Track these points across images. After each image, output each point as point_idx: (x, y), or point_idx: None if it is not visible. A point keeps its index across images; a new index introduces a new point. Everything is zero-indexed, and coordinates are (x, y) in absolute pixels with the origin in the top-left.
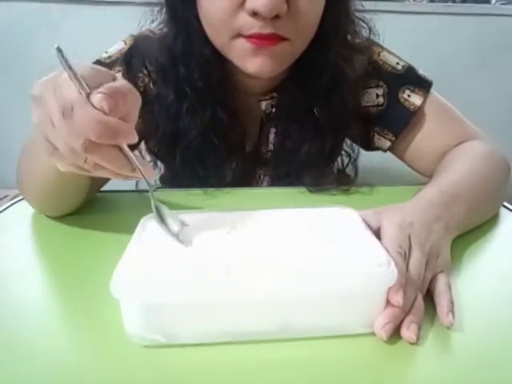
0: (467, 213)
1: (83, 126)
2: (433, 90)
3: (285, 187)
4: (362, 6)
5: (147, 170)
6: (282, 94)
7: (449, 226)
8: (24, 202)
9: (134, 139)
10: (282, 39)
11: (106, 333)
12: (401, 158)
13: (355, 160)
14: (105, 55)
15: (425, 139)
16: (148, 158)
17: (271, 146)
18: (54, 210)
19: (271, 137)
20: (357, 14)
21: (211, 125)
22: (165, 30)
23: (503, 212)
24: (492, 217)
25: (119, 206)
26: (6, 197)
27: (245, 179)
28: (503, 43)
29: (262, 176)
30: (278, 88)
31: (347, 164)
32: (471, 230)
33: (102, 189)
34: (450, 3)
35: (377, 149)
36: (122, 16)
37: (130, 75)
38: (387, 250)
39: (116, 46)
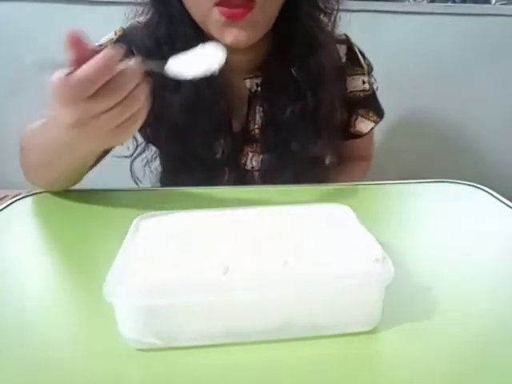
0: None
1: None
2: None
3: (284, 186)
4: None
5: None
6: (265, 72)
7: None
8: (23, 201)
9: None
10: (251, 8)
11: (102, 337)
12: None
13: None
14: (96, 44)
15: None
16: (140, 138)
17: (259, 123)
18: (55, 182)
19: (258, 115)
20: None
21: (194, 100)
22: (148, 15)
23: (503, 210)
24: (491, 216)
25: (114, 205)
26: (5, 197)
27: (233, 156)
28: (503, 43)
29: (250, 153)
30: (262, 66)
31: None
32: (470, 229)
33: (96, 187)
34: (449, 3)
35: (355, 135)
36: (121, 16)
37: None
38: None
39: (106, 36)
